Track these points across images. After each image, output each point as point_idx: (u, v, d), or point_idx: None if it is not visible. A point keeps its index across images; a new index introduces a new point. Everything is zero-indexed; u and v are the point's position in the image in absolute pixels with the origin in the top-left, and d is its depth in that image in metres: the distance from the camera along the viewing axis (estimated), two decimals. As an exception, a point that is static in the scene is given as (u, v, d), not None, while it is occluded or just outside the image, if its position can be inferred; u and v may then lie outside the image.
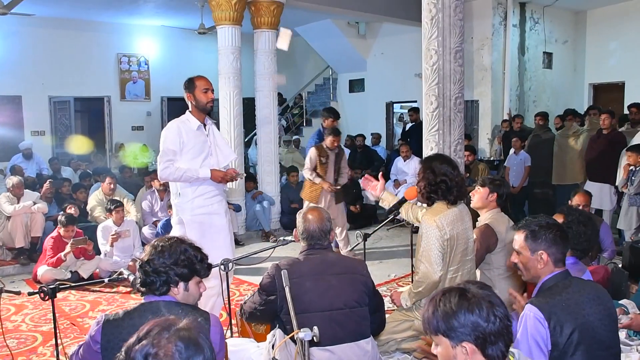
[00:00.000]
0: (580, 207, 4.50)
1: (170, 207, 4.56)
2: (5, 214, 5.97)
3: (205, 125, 3.69)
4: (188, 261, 2.04)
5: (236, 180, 3.87)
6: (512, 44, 9.57)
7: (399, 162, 8.27)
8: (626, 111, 8.02)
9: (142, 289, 2.03)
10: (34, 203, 6.04)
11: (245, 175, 7.29)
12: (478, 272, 3.42)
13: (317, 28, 11.69)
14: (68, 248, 5.27)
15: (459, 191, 3.08)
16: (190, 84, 3.65)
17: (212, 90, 3.68)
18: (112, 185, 6.64)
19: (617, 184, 6.03)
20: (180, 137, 3.56)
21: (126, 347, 1.25)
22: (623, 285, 4.06)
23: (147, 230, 6.40)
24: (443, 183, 3.03)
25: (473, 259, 3.20)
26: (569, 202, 4.64)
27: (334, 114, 6.23)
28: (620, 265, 4.49)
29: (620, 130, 6.89)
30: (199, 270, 2.09)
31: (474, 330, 1.50)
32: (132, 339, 1.26)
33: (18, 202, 5.97)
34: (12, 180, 6.13)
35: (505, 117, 9.29)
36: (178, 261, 2.02)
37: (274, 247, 3.43)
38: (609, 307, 2.16)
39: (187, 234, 3.65)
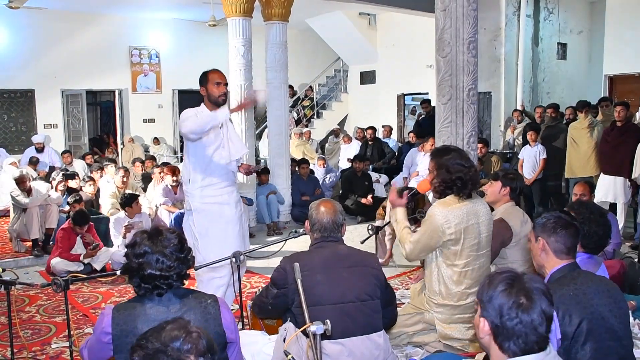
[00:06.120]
0: (579, 196, 4.47)
1: (182, 201, 4.57)
2: (21, 206, 6.01)
3: None
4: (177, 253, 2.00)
5: (252, 173, 3.86)
6: (526, 35, 9.44)
7: (414, 153, 8.19)
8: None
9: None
10: (49, 195, 6.08)
11: (261, 168, 7.28)
12: (492, 267, 3.38)
13: (328, 20, 11.63)
14: (84, 251, 5.41)
15: (473, 184, 3.06)
16: (203, 78, 3.67)
17: (226, 84, 3.68)
18: (125, 179, 6.68)
19: (633, 176, 5.94)
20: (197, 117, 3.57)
21: None
22: (639, 279, 4.01)
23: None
24: (459, 180, 3.00)
25: (486, 255, 3.16)
26: (573, 195, 4.60)
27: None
28: (636, 260, 4.43)
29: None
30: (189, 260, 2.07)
31: (494, 313, 1.57)
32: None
33: (28, 196, 5.98)
34: (15, 174, 6.10)
35: (519, 108, 9.18)
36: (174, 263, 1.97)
37: (285, 240, 3.41)
38: (619, 301, 2.16)
39: (194, 222, 3.70)
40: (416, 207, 5.00)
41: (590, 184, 4.81)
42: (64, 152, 9.57)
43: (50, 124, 10.99)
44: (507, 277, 1.61)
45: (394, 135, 11.24)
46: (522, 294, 1.55)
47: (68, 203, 6.12)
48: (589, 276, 2.21)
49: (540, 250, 2.23)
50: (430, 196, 6.02)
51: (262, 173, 7.35)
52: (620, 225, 5.90)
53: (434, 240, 3.01)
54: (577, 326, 2.00)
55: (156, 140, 11.76)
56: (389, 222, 5.03)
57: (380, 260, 5.62)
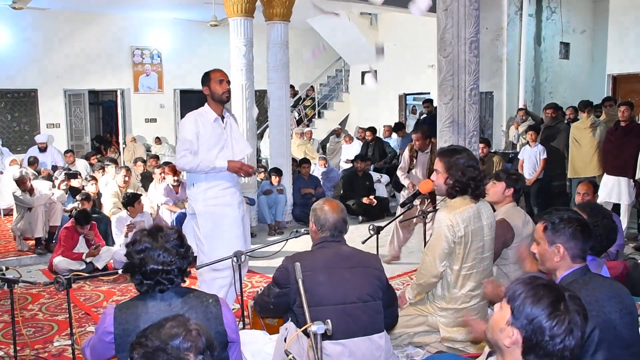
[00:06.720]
0: (583, 195, 4.47)
1: (184, 201, 4.57)
2: (26, 206, 6.01)
3: (223, 118, 3.75)
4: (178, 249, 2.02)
5: (251, 175, 3.90)
6: (528, 34, 9.43)
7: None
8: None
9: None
10: (52, 193, 6.09)
11: (262, 170, 7.26)
12: (494, 268, 3.38)
13: (329, 19, 11.61)
14: (86, 250, 5.43)
15: (483, 185, 3.05)
16: (205, 77, 3.74)
17: (229, 82, 3.74)
18: (127, 178, 6.68)
19: (637, 177, 5.93)
20: (197, 127, 3.63)
21: None
22: (641, 280, 3.99)
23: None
24: (472, 180, 2.95)
25: (490, 257, 3.15)
26: (576, 195, 4.59)
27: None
28: (639, 261, 4.41)
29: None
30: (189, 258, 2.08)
31: (532, 332, 1.49)
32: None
33: (31, 195, 5.98)
34: (14, 174, 6.11)
35: (521, 106, 9.15)
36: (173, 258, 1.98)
37: (287, 240, 3.41)
38: (629, 305, 2.11)
39: (199, 225, 3.73)
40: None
41: (593, 184, 4.80)
42: (66, 152, 9.60)
43: (53, 124, 11.02)
44: (553, 298, 1.50)
45: (395, 135, 11.22)
46: (570, 320, 1.49)
47: (76, 200, 6.15)
48: (599, 280, 2.15)
49: (558, 257, 2.13)
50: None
51: (275, 174, 7.32)
52: (624, 226, 5.88)
53: (447, 243, 2.96)
54: (588, 335, 1.94)
55: (158, 140, 11.78)
56: (395, 219, 5.04)
57: (388, 258, 5.61)
